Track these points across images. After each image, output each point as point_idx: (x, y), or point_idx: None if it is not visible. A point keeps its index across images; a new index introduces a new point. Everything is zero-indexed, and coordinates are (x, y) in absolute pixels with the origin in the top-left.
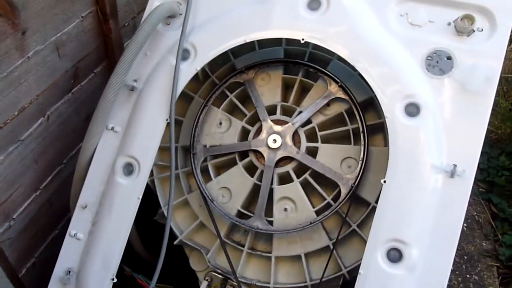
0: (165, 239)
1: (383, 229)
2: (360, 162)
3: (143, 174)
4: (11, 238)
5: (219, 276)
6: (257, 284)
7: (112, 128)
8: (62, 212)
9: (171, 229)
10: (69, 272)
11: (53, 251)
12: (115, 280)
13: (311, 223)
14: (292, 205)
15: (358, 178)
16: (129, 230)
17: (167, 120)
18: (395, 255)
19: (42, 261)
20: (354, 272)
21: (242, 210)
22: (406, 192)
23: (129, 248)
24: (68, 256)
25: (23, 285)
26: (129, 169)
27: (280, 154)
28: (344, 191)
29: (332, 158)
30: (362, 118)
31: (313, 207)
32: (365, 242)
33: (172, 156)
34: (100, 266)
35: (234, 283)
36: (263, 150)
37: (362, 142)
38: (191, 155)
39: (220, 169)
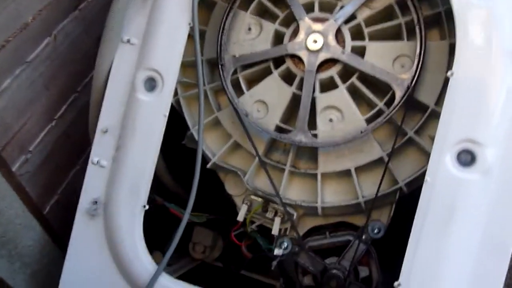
0: (198, 161)
1: (451, 130)
2: (417, 58)
3: (168, 88)
4: (30, 172)
5: (259, 199)
6: (303, 204)
7: (128, 41)
8: (81, 146)
9: (202, 153)
10: (96, 202)
11: (76, 187)
12: (147, 207)
13: (362, 132)
14: (338, 114)
15: (416, 77)
16: (158, 152)
17: (189, 24)
18: (466, 158)
19: (65, 197)
20: (411, 185)
21: (281, 124)
22: (477, 84)
23: (156, 180)
24: (92, 185)
25: (49, 222)
26: (151, 84)
27: (322, 57)
28: (399, 93)
29: (383, 58)
30: (417, 7)
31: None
32: (422, 151)
33: (198, 63)
34: (129, 194)
35: (276, 205)
36: (302, 54)
37: (418, 36)
38: (219, 66)
39: (252, 83)
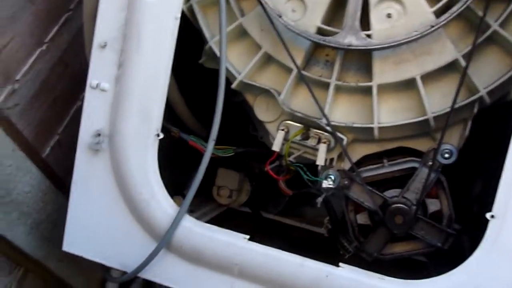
0: (222, 77)
1: None
2: None
3: None
4: (20, 105)
5: (297, 124)
6: (354, 125)
7: None
8: (83, 77)
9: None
10: (99, 134)
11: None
12: (161, 135)
13: (432, 26)
14: (398, 7)
15: None
16: (170, 66)
17: None
18: None
19: (68, 137)
20: (494, 94)
21: (323, 26)
22: None
23: (170, 112)
24: (93, 114)
25: (49, 166)
26: None
27: None
28: None
29: None
30: None
31: None
32: (508, 50)
33: None
34: (138, 121)
35: (319, 131)
36: None
37: None
38: None
39: None
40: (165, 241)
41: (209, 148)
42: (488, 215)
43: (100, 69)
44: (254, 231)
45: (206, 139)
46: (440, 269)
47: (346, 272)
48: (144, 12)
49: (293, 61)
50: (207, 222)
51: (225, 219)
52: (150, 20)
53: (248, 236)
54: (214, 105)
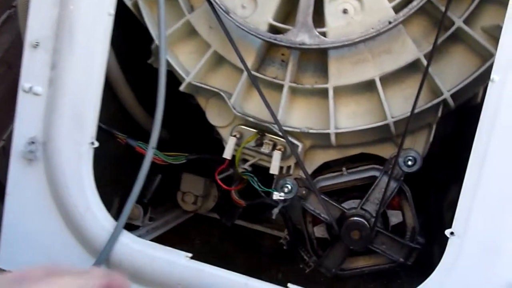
0: (161, 78)
1: None
2: None
3: None
4: None
5: (251, 129)
6: (310, 132)
7: None
8: None
9: (175, 72)
10: (33, 142)
11: None
12: (96, 144)
13: (390, 22)
14: (355, 2)
15: None
16: (104, 68)
17: None
18: None
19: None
20: (458, 97)
21: (275, 23)
22: None
23: (125, 114)
24: (27, 121)
25: None
26: None
27: None
28: None
29: None
30: None
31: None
32: (473, 49)
33: None
34: (72, 127)
35: (274, 136)
36: None
37: None
38: None
39: None
40: (102, 258)
41: (148, 156)
42: (447, 232)
43: (32, 71)
44: (222, 238)
45: (168, 143)
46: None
47: None
48: (75, 8)
49: (242, 61)
50: (171, 229)
51: (192, 226)
52: (82, 17)
53: (190, 254)
54: (171, 107)
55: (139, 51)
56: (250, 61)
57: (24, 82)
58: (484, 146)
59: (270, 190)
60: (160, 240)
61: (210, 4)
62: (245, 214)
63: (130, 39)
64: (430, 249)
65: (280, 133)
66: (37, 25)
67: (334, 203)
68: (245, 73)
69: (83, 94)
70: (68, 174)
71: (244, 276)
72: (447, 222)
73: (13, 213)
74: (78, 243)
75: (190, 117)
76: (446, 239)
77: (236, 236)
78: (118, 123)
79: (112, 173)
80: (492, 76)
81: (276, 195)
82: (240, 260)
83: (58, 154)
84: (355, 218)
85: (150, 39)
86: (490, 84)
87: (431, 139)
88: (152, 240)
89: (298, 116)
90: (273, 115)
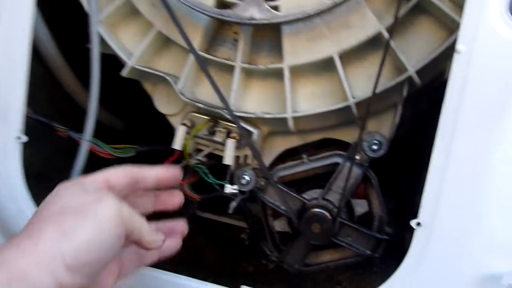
0: (94, 62)
1: None
2: None
3: None
4: None
5: (203, 116)
6: (266, 116)
7: None
8: None
9: (117, 56)
10: None
11: None
12: (24, 138)
13: None
14: None
15: None
16: (28, 51)
17: None
18: None
19: None
20: (425, 74)
21: None
22: None
23: (73, 105)
24: None
25: None
26: None
27: None
28: None
29: None
30: None
31: None
32: (440, 20)
33: None
34: None
35: (228, 123)
36: None
37: None
38: None
39: None
40: None
41: (82, 151)
42: (413, 223)
43: None
44: (190, 232)
45: (122, 133)
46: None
47: None
48: None
49: (187, 40)
50: None
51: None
52: None
53: None
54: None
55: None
56: (197, 41)
57: None
58: (451, 125)
59: (222, 182)
60: None
61: None
62: (212, 207)
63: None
64: (402, 235)
65: (231, 120)
66: None
67: (293, 194)
68: (192, 54)
69: (4, 83)
70: None
71: (196, 280)
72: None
73: None
74: None
75: (148, 105)
76: (412, 229)
77: (205, 230)
78: (67, 115)
79: (61, 167)
80: (457, 46)
81: (229, 188)
82: (210, 254)
83: None
84: (316, 210)
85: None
86: (455, 55)
87: (397, 120)
88: None
89: (253, 100)
90: (223, 100)
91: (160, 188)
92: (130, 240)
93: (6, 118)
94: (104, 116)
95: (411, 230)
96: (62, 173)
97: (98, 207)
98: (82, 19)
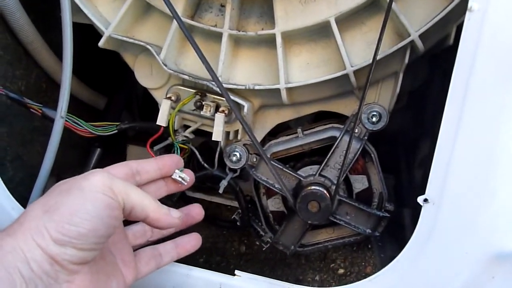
0: (65, 18)
1: None
2: None
3: None
4: None
5: (189, 89)
6: (257, 88)
7: None
8: None
9: (94, 25)
10: None
11: None
12: None
13: None
14: None
15: None
16: None
17: None
18: None
19: None
20: (429, 39)
21: None
22: None
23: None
24: None
25: None
26: None
27: None
28: None
29: None
30: None
31: None
32: None
33: None
34: None
35: (216, 96)
36: None
37: None
38: None
39: None
40: None
41: (56, 129)
42: (420, 199)
43: None
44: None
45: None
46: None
47: (243, 281)
48: None
49: (169, 5)
50: None
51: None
52: None
53: None
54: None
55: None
56: (180, 6)
57: None
58: (461, 94)
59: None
60: None
61: None
62: (201, 186)
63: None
64: (400, 211)
65: (220, 92)
66: None
67: (288, 170)
68: (175, 21)
69: None
70: None
71: (186, 266)
72: (418, 181)
73: None
74: None
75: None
76: (419, 206)
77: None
78: (44, 94)
79: (41, 148)
80: (470, 4)
81: (218, 171)
82: (202, 234)
83: None
84: (313, 188)
85: None
86: (467, 14)
87: (397, 90)
88: None
89: (243, 70)
90: (210, 70)
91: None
92: (136, 218)
93: None
94: (85, 94)
95: (411, 205)
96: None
97: (83, 181)
98: None
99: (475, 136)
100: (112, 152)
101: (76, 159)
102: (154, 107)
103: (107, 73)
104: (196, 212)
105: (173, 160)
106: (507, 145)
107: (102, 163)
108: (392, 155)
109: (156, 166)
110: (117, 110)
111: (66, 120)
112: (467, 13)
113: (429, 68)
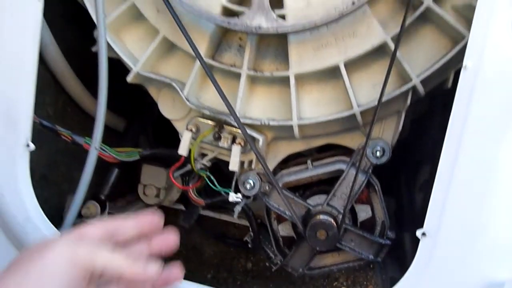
0: (102, 69)
1: None
2: None
3: None
4: None
5: (208, 121)
6: (271, 124)
7: None
8: None
9: (122, 60)
10: None
11: None
12: (32, 147)
13: (354, 2)
14: None
15: None
16: (36, 60)
17: None
18: None
19: None
20: (429, 82)
21: (229, 5)
22: None
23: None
24: None
25: None
26: None
27: None
28: None
29: None
30: None
31: None
32: (444, 30)
33: None
34: (3, 128)
35: (234, 129)
36: None
37: None
38: None
39: None
40: None
41: (91, 160)
42: (418, 233)
43: None
44: (189, 229)
45: (124, 134)
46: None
47: None
48: None
49: (194, 48)
50: None
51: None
52: (8, 4)
53: None
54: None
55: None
56: (203, 47)
57: None
58: (456, 139)
59: (227, 190)
60: None
61: None
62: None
63: (76, 26)
64: (401, 234)
65: (238, 126)
66: None
67: (299, 200)
68: (198, 61)
69: (13, 91)
70: (2, 181)
71: (195, 284)
72: (418, 205)
73: None
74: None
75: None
76: (417, 240)
77: (203, 227)
78: (69, 118)
79: (64, 169)
80: (464, 62)
81: (233, 197)
82: (209, 251)
83: None
84: (321, 217)
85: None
86: (462, 71)
87: (400, 127)
88: None
89: (258, 106)
90: (229, 107)
91: (145, 235)
92: (111, 277)
93: (15, 126)
94: (107, 117)
95: (410, 229)
96: (67, 176)
97: (41, 259)
98: (82, 21)
99: (468, 176)
100: (128, 171)
101: (93, 177)
102: (168, 131)
103: (126, 97)
104: (174, 275)
105: (153, 221)
106: (497, 186)
107: (119, 183)
108: (394, 178)
109: (135, 226)
110: (136, 134)
111: (89, 144)
112: (462, 70)
113: (429, 101)
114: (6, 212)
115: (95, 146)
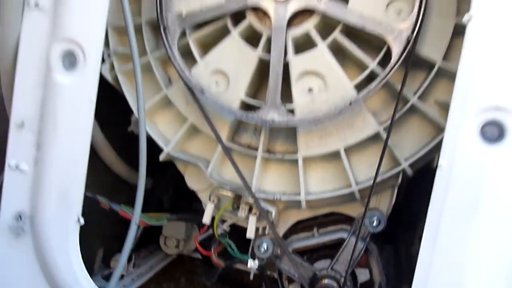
0: (142, 152)
1: (471, 95)
2: (417, 0)
3: (93, 64)
4: None
5: (229, 193)
6: (282, 198)
7: (36, 4)
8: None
9: (153, 141)
10: (20, 217)
11: None
12: (82, 221)
13: (351, 103)
14: (320, 81)
15: (417, 26)
16: (87, 149)
17: None
18: (493, 132)
19: None
20: (417, 164)
21: (247, 99)
22: (507, 30)
23: (108, 173)
24: (14, 196)
25: None
26: (70, 60)
27: (293, 7)
28: (396, 49)
29: (372, 3)
30: None
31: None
32: (428, 121)
33: (129, 27)
34: (58, 204)
35: (250, 200)
36: (267, 5)
37: None
38: (161, 28)
39: (206, 47)
40: None
41: (131, 234)
42: None
43: (18, 149)
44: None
45: (150, 193)
46: None
47: None
48: (58, 93)
49: (217, 136)
50: (156, 274)
51: (176, 265)
52: (65, 103)
53: None
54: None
55: (123, 118)
56: (224, 132)
57: (10, 159)
58: (435, 223)
59: (246, 258)
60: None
61: (186, 84)
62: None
63: (114, 107)
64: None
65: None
66: (21, 106)
67: (306, 265)
68: (219, 146)
69: (68, 174)
70: (56, 250)
71: None
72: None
73: (2, 286)
74: None
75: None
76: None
77: (221, 275)
78: (106, 184)
79: (96, 225)
80: (440, 162)
81: (251, 263)
82: None
83: (45, 230)
84: (326, 281)
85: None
86: (438, 170)
87: (394, 199)
88: None
89: (271, 181)
90: (247, 186)
91: None
92: None
93: (68, 205)
94: (128, 174)
95: (409, 282)
96: (98, 233)
97: None
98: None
99: (447, 255)
100: (151, 227)
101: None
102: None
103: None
104: None
105: None
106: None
107: (142, 235)
108: (392, 227)
109: None
110: (159, 196)
111: (126, 212)
112: (438, 169)
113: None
114: (57, 276)
115: (135, 222)
